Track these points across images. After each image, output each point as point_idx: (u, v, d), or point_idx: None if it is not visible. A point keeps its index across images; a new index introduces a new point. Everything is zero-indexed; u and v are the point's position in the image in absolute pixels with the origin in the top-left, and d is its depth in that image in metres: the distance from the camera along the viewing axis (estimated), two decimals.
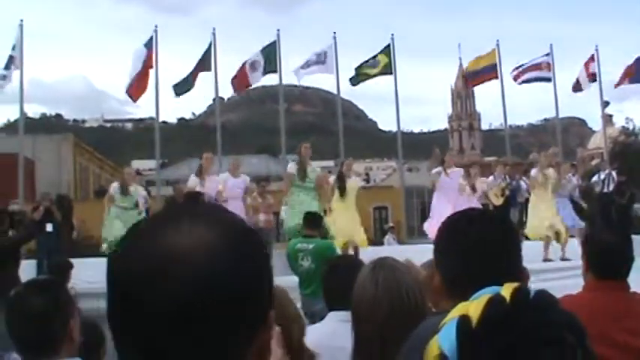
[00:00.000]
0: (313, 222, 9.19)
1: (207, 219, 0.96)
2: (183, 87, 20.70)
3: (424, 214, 16.24)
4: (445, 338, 0.98)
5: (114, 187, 13.79)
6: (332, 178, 13.32)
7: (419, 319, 2.29)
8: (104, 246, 13.29)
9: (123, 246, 0.95)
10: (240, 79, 20.85)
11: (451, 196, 13.69)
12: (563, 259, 12.98)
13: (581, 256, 3.34)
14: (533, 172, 14.22)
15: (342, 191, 12.93)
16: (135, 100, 20.59)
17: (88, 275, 9.40)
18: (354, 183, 13.42)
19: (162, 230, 0.93)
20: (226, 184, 13.17)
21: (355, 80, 21.45)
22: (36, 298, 2.59)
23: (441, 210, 13.34)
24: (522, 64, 22.55)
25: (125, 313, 0.91)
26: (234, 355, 0.93)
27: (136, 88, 20.26)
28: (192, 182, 13.05)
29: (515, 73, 22.52)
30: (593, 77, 22.24)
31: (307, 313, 8.24)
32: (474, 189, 14.41)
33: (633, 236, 3.49)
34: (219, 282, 0.89)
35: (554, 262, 12.88)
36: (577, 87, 22.59)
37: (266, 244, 1.00)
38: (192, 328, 0.88)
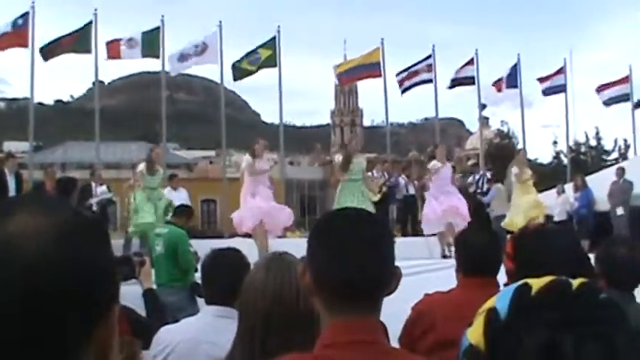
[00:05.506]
0: (180, 212, 9.14)
1: (44, 208, 0.91)
2: (54, 50, 19.47)
3: (304, 207, 16.17)
4: (501, 298, 1.02)
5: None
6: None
7: (307, 314, 2.18)
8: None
9: None
10: (112, 48, 20.11)
11: None
12: None
13: (455, 255, 3.44)
14: (514, 169, 14.76)
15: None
16: None
17: None
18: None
19: None
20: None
21: (238, 74, 21.06)
22: None
23: None
24: (406, 69, 22.84)
25: None
26: (68, 353, 0.88)
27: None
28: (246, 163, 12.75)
29: (399, 78, 22.84)
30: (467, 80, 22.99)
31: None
32: None
33: None
34: (49, 271, 0.85)
35: None
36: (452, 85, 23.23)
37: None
38: (25, 320, 0.83)
